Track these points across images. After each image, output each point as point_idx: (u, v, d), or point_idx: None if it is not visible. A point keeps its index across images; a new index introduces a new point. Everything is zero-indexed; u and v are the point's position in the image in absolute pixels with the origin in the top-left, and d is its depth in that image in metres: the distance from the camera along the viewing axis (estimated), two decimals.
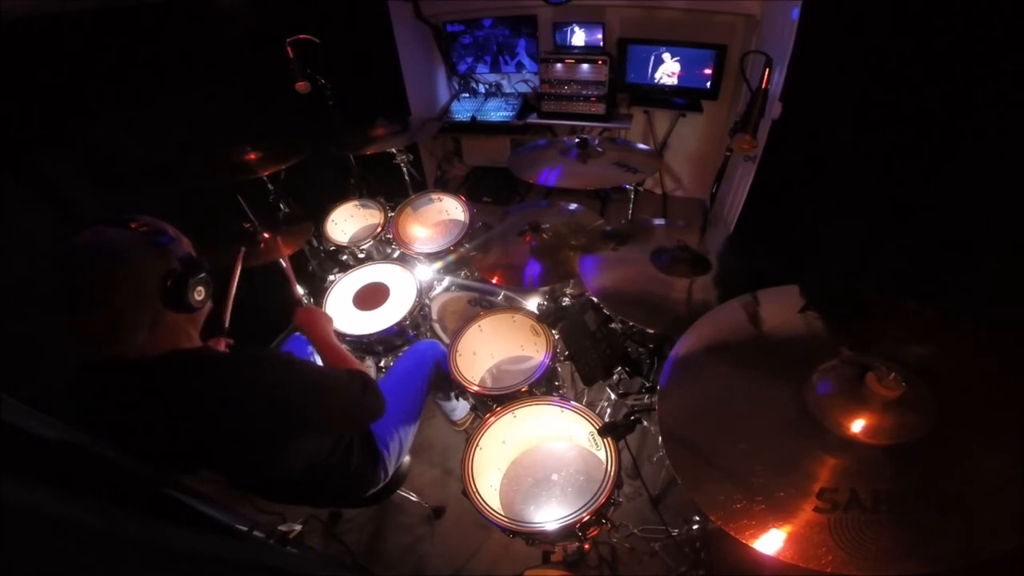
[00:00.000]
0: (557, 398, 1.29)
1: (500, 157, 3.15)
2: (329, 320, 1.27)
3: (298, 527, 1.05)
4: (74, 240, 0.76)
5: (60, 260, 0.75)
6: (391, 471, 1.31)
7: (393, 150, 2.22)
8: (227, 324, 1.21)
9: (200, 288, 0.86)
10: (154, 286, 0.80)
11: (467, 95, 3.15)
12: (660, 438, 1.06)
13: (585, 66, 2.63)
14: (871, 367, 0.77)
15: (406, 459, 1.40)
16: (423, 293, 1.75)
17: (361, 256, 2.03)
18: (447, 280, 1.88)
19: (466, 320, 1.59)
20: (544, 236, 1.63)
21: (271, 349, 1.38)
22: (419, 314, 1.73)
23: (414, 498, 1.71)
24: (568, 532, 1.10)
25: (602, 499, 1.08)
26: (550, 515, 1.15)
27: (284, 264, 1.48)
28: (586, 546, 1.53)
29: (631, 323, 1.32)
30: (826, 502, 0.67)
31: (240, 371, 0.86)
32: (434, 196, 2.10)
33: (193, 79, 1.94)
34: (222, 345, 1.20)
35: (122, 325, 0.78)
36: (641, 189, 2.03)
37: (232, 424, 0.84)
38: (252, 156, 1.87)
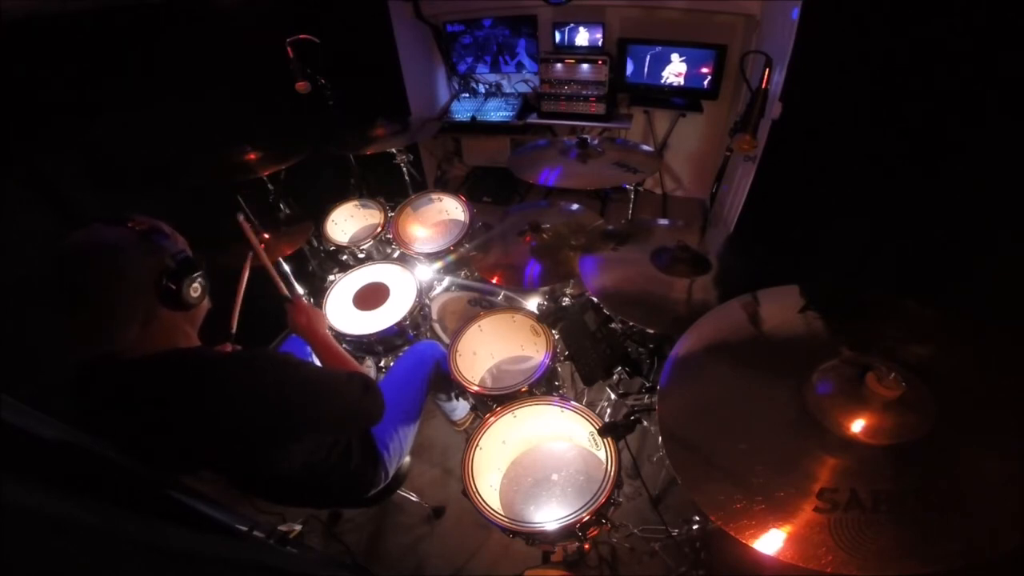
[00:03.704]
0: (557, 398, 1.29)
1: (500, 157, 3.15)
2: (323, 318, 1.26)
3: (298, 527, 1.05)
4: (69, 238, 0.77)
5: (56, 259, 0.76)
6: (391, 472, 1.31)
7: (393, 150, 2.21)
8: (234, 330, 1.21)
9: (196, 285, 0.87)
10: (149, 283, 0.80)
11: (467, 95, 3.15)
12: (660, 438, 1.06)
13: (585, 66, 2.63)
14: (871, 367, 0.77)
15: (406, 459, 1.40)
16: (423, 293, 1.75)
17: (361, 256, 2.03)
18: (447, 280, 1.88)
19: (466, 320, 1.59)
20: (544, 236, 1.63)
21: (270, 349, 1.36)
22: (419, 314, 1.73)
23: (414, 498, 1.71)
24: (568, 532, 1.10)
25: (602, 499, 1.08)
26: (550, 515, 1.15)
27: (270, 272, 1.35)
28: (586, 546, 1.53)
29: (631, 323, 1.32)
30: (826, 502, 0.67)
31: (239, 371, 0.86)
32: (434, 196, 2.10)
33: (193, 79, 1.93)
34: (228, 350, 1.19)
35: (116, 322, 0.79)
36: (641, 189, 2.03)
37: (231, 424, 0.84)
38: (252, 156, 1.87)
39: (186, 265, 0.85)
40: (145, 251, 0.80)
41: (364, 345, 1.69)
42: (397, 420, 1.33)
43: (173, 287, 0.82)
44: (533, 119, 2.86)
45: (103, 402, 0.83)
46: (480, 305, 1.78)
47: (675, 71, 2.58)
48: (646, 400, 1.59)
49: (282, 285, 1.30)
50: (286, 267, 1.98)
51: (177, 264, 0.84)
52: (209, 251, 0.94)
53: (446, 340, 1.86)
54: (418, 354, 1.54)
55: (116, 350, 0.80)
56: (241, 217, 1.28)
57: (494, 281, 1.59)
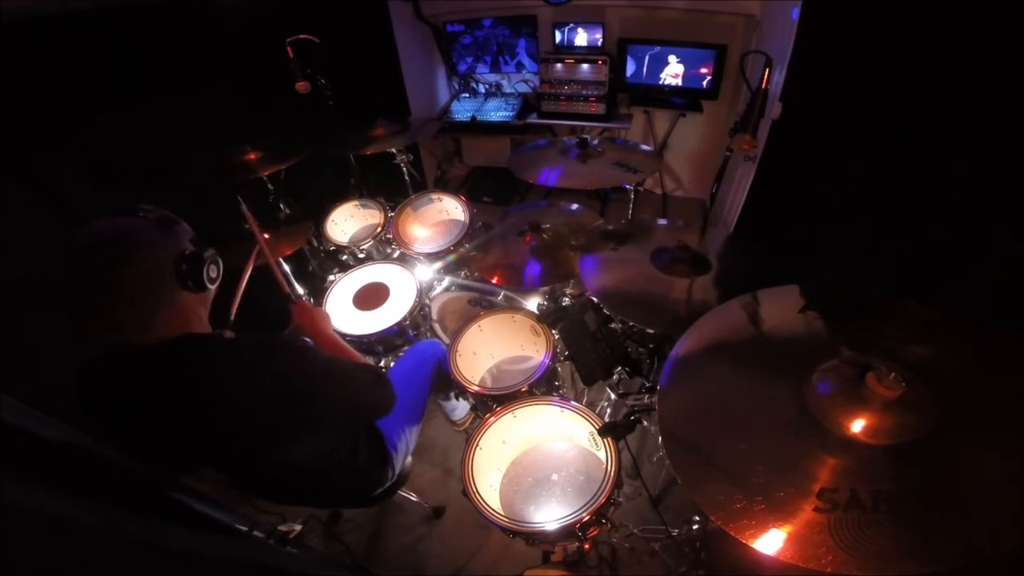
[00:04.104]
0: (557, 398, 1.29)
1: (500, 157, 3.15)
2: (327, 318, 1.27)
3: (298, 527, 1.05)
4: (89, 229, 0.77)
5: (78, 249, 0.76)
6: (398, 471, 1.31)
7: (393, 150, 2.21)
8: (232, 317, 1.22)
9: (213, 266, 0.88)
10: (170, 267, 0.82)
11: (467, 95, 3.15)
12: (660, 438, 1.06)
13: (585, 66, 2.63)
14: (871, 367, 0.77)
15: (408, 459, 1.40)
16: (423, 293, 1.75)
17: (361, 256, 2.03)
18: (447, 280, 1.88)
19: (466, 320, 1.59)
20: (544, 236, 1.63)
21: (283, 335, 1.36)
22: (419, 314, 1.72)
23: (414, 498, 1.71)
24: (568, 532, 1.10)
25: (602, 499, 1.08)
26: (550, 515, 1.15)
27: (272, 268, 1.40)
28: (586, 546, 1.53)
29: (631, 323, 1.32)
30: (826, 502, 0.67)
31: (251, 357, 0.85)
32: (434, 196, 2.10)
33: (193, 79, 1.94)
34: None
35: (144, 308, 0.79)
36: (641, 189, 2.03)
37: (240, 412, 0.83)
38: (252, 156, 1.88)
39: (202, 247, 0.87)
40: (163, 236, 0.82)
41: (364, 345, 1.68)
42: (403, 420, 1.33)
43: (194, 269, 0.84)
44: (533, 119, 2.86)
45: (106, 397, 0.82)
46: (480, 305, 1.78)
47: (675, 71, 2.57)
48: (646, 400, 1.59)
49: (285, 284, 1.32)
50: (286, 267, 1.98)
51: (196, 246, 0.86)
52: None
53: (446, 340, 1.86)
54: (420, 353, 1.54)
55: (141, 338, 0.80)
56: (244, 207, 1.33)
57: (494, 281, 1.59)
